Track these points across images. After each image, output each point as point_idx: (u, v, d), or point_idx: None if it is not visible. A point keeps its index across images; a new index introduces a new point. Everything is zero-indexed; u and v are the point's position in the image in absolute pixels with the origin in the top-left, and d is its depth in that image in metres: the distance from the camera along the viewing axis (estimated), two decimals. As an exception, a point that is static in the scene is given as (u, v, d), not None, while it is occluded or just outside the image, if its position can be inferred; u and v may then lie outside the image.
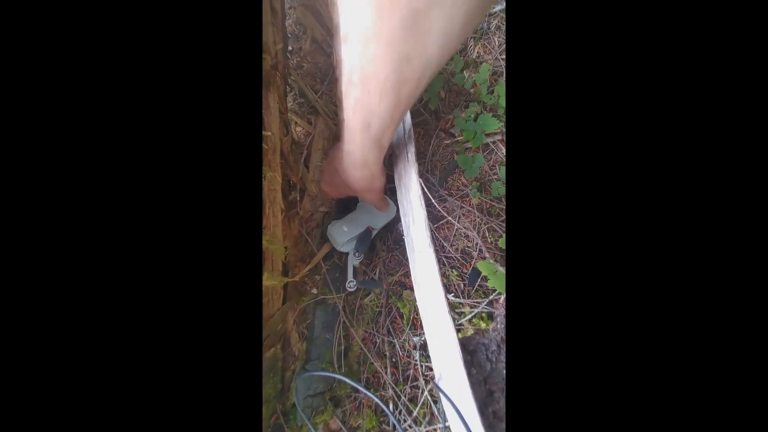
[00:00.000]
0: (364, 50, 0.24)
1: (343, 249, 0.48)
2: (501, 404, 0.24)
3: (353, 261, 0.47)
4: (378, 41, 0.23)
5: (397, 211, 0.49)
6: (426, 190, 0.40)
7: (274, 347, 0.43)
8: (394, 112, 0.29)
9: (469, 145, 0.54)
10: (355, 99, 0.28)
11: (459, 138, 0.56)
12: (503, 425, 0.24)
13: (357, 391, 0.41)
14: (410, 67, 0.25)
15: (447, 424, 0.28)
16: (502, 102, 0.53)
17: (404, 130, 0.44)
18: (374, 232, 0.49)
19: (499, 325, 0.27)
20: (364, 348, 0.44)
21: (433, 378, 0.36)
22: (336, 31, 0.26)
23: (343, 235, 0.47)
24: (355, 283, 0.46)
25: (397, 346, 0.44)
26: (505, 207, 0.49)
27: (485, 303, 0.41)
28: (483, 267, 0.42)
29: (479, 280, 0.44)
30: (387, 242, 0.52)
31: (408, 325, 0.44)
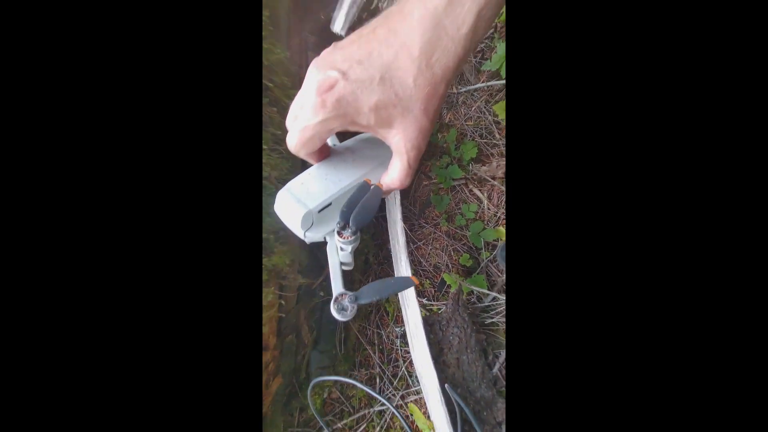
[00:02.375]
0: None
1: (313, 234, 0.24)
2: (448, 357, 0.39)
3: (344, 248, 0.24)
4: None
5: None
6: (407, 229, 0.57)
7: (291, 335, 0.56)
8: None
9: (442, 185, 0.72)
10: None
11: (434, 180, 0.74)
12: (440, 369, 0.38)
13: (352, 368, 0.55)
14: None
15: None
16: (466, 157, 0.72)
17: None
18: (376, 191, 0.24)
19: (448, 309, 0.43)
20: (359, 336, 0.58)
21: (410, 361, 0.50)
22: None
23: (313, 198, 0.24)
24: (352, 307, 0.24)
25: (384, 336, 0.58)
26: (468, 233, 0.66)
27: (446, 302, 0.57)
28: (447, 278, 0.58)
29: (445, 287, 0.60)
30: (378, 257, 0.67)
31: (392, 320, 0.59)
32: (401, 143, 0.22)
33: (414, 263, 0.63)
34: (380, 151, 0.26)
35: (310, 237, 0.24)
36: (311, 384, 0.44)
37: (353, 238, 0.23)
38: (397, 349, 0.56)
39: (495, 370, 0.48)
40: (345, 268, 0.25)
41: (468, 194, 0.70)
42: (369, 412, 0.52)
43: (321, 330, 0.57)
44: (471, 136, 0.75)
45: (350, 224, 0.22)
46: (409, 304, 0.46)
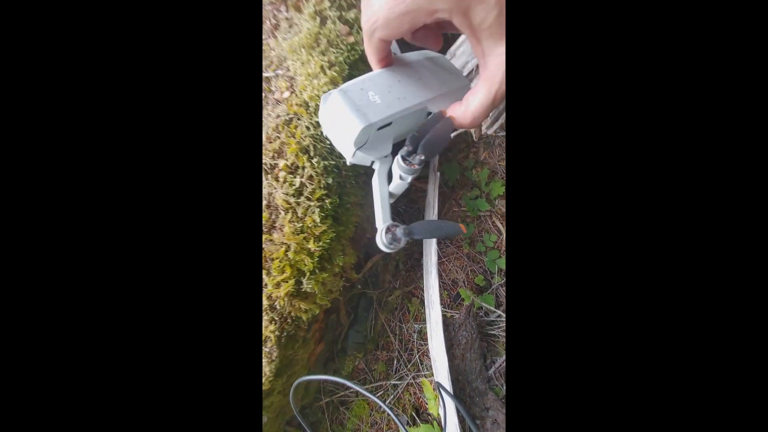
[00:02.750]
0: None
1: (363, 156, 0.22)
2: (456, 351, 0.53)
3: (405, 177, 0.22)
4: None
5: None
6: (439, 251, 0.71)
7: (333, 315, 0.72)
8: None
9: (469, 214, 0.85)
10: None
11: (464, 208, 0.87)
12: (450, 358, 0.52)
13: (376, 348, 0.70)
14: None
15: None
16: (494, 193, 0.84)
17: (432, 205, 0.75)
18: (448, 122, 0.21)
19: (461, 317, 0.57)
20: (385, 325, 0.73)
21: (426, 351, 0.65)
22: None
23: (376, 111, 0.21)
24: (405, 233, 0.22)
25: (404, 329, 0.72)
26: (486, 259, 0.78)
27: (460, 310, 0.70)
28: (462, 292, 0.72)
29: (459, 299, 0.73)
30: (407, 264, 0.82)
31: (412, 318, 0.73)
32: (500, 68, 0.18)
33: (437, 276, 0.77)
34: (449, 79, 0.23)
35: (358, 158, 0.21)
36: (294, 384, 0.43)
37: (419, 167, 0.21)
38: (413, 342, 0.70)
39: (491, 371, 0.62)
40: (391, 200, 0.22)
41: (491, 225, 0.83)
42: (385, 384, 0.67)
43: (357, 315, 0.73)
44: (501, 175, 0.87)
45: (419, 151, 0.20)
46: (433, 306, 0.60)
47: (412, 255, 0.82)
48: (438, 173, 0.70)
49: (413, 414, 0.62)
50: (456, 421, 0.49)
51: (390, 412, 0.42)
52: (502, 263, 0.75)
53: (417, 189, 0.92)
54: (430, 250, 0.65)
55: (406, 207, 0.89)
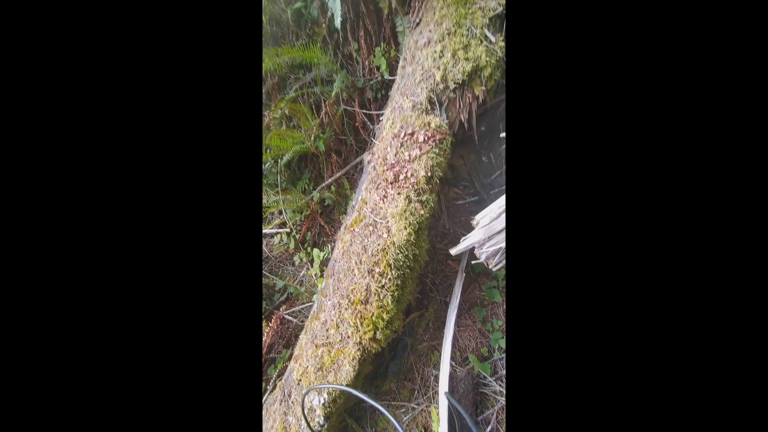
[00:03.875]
0: None
1: None
2: (455, 394, 0.86)
3: None
4: None
5: None
6: (456, 319, 1.06)
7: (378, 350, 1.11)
8: None
9: (486, 299, 1.17)
10: None
11: (483, 293, 1.20)
12: (455, 399, 0.85)
13: (405, 379, 1.06)
14: None
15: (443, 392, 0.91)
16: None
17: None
18: None
19: (463, 373, 0.90)
20: (414, 365, 1.09)
21: (439, 389, 0.98)
22: None
23: None
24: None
25: (426, 371, 1.07)
26: (491, 336, 1.09)
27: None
28: (471, 357, 1.05)
29: (467, 361, 1.06)
30: (435, 324, 1.17)
31: (432, 365, 1.08)
32: None
33: (453, 338, 1.11)
34: None
35: None
36: (305, 391, 0.85)
37: None
38: (430, 381, 1.04)
39: (479, 417, 0.92)
40: None
41: (500, 313, 1.14)
42: (407, 405, 1.02)
43: (396, 353, 1.11)
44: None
45: None
46: (444, 364, 0.94)
47: (440, 317, 1.17)
48: (466, 264, 1.06)
49: (423, 429, 0.95)
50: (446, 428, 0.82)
51: (389, 416, 0.79)
52: (502, 343, 1.05)
53: (450, 268, 1.27)
54: (451, 318, 1.01)
55: (440, 281, 1.25)
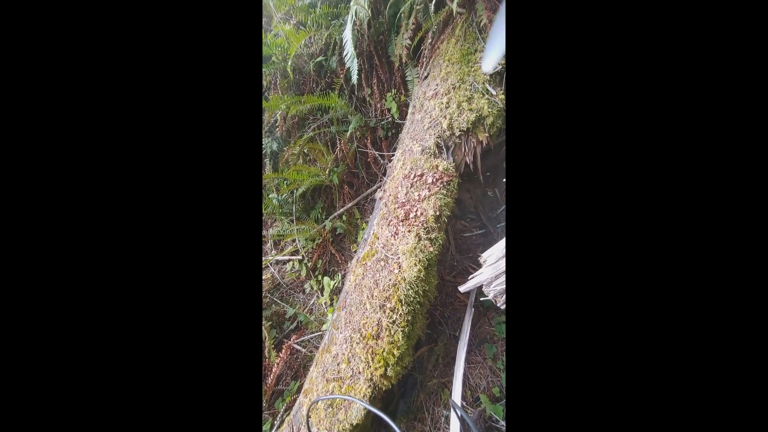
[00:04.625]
0: None
1: None
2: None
3: None
4: None
5: None
6: (466, 355, 1.05)
7: (389, 388, 1.10)
8: None
9: (496, 335, 1.16)
10: None
11: (493, 328, 1.20)
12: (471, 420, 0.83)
13: (414, 419, 1.04)
14: None
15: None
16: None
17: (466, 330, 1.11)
18: None
19: (475, 414, 0.88)
20: (423, 403, 1.07)
21: (450, 411, 0.96)
22: None
23: None
24: None
25: (436, 411, 1.05)
26: (503, 375, 1.07)
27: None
28: (482, 397, 1.03)
29: (478, 401, 1.04)
30: (445, 359, 1.16)
31: (442, 404, 1.06)
32: None
33: (464, 376, 1.09)
34: None
35: None
36: (314, 400, 0.89)
37: None
38: (441, 423, 1.02)
39: (491, 464, 0.88)
40: None
41: (511, 348, 1.13)
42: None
43: (406, 389, 1.09)
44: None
45: None
46: (456, 406, 0.93)
47: (450, 353, 1.16)
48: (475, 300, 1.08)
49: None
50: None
51: (390, 421, 0.77)
52: (514, 382, 1.03)
53: (459, 301, 1.28)
54: (461, 353, 1.00)
55: (449, 314, 1.25)
